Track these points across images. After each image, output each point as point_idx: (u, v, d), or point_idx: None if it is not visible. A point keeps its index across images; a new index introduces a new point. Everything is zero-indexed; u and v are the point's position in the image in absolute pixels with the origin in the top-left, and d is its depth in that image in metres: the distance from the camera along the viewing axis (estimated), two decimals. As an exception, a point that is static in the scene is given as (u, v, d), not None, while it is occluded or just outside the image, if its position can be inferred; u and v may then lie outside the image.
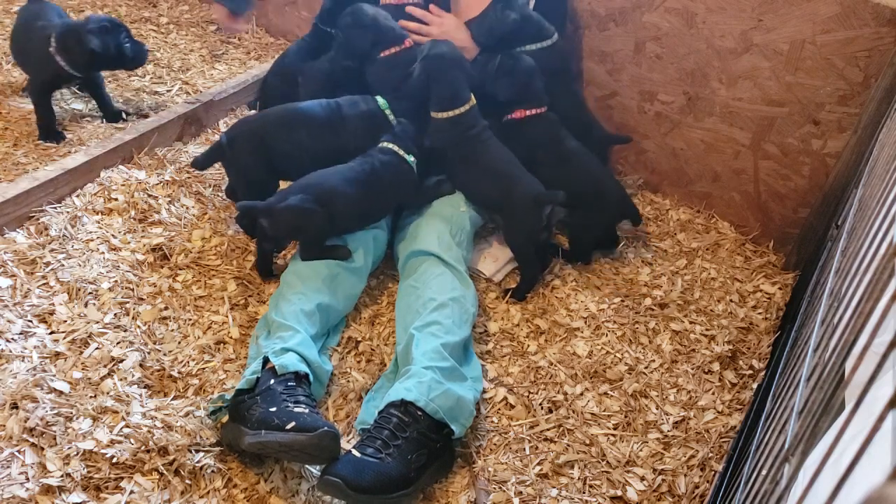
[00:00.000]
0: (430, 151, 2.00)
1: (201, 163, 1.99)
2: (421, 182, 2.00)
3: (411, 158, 1.91)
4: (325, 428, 1.34)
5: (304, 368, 1.52)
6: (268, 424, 1.37)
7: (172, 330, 1.72)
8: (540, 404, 1.67)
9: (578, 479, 1.52)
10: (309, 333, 1.63)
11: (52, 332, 1.64)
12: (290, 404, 1.41)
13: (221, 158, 2.00)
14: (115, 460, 1.38)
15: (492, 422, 1.63)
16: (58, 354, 1.58)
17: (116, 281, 1.79)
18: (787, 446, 0.82)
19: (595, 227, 2.06)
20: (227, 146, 1.95)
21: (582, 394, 1.71)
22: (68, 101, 2.53)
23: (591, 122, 2.28)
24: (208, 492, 1.40)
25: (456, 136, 1.96)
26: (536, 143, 2.05)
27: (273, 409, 1.40)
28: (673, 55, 2.20)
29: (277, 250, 1.94)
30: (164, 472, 1.39)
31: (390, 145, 1.91)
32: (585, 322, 1.91)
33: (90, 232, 1.91)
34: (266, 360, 1.52)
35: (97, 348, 1.62)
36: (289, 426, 1.35)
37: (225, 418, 1.50)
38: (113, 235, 1.92)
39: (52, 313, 1.68)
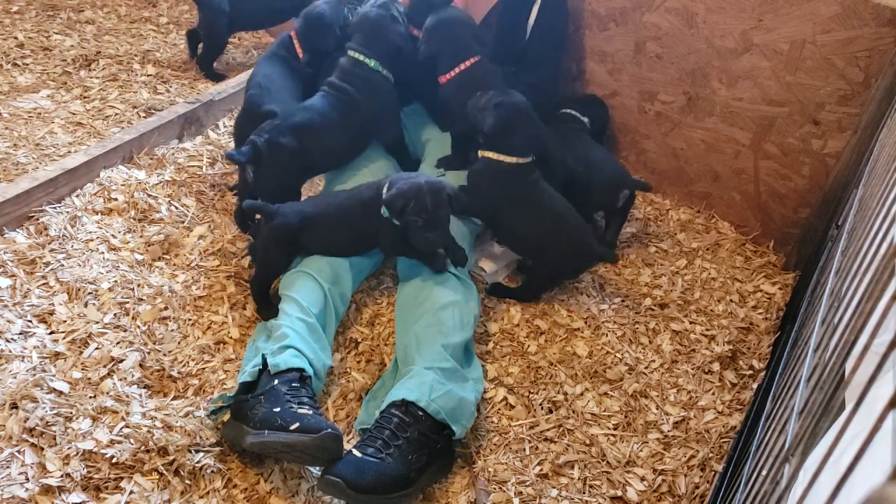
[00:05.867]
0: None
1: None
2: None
3: (373, 63, 1.83)
4: (329, 430, 1.34)
5: (300, 363, 1.52)
6: (271, 424, 1.37)
7: (172, 330, 1.72)
8: (540, 404, 1.67)
9: (578, 479, 1.52)
10: (309, 322, 1.62)
11: (51, 332, 1.64)
12: (293, 405, 1.41)
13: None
14: (114, 460, 1.38)
15: (492, 422, 1.63)
16: (57, 354, 1.58)
17: (116, 281, 1.79)
18: (787, 446, 0.82)
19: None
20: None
21: (582, 394, 1.71)
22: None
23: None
24: (208, 492, 1.40)
25: (510, 181, 1.86)
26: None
27: (277, 410, 1.40)
28: (673, 55, 2.20)
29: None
30: (164, 472, 1.39)
31: (355, 54, 1.84)
32: (585, 322, 1.90)
33: (90, 232, 1.91)
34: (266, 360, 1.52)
35: (97, 348, 1.62)
36: (293, 427, 1.35)
37: (226, 417, 1.50)
38: (113, 235, 1.92)
39: (51, 313, 1.68)
